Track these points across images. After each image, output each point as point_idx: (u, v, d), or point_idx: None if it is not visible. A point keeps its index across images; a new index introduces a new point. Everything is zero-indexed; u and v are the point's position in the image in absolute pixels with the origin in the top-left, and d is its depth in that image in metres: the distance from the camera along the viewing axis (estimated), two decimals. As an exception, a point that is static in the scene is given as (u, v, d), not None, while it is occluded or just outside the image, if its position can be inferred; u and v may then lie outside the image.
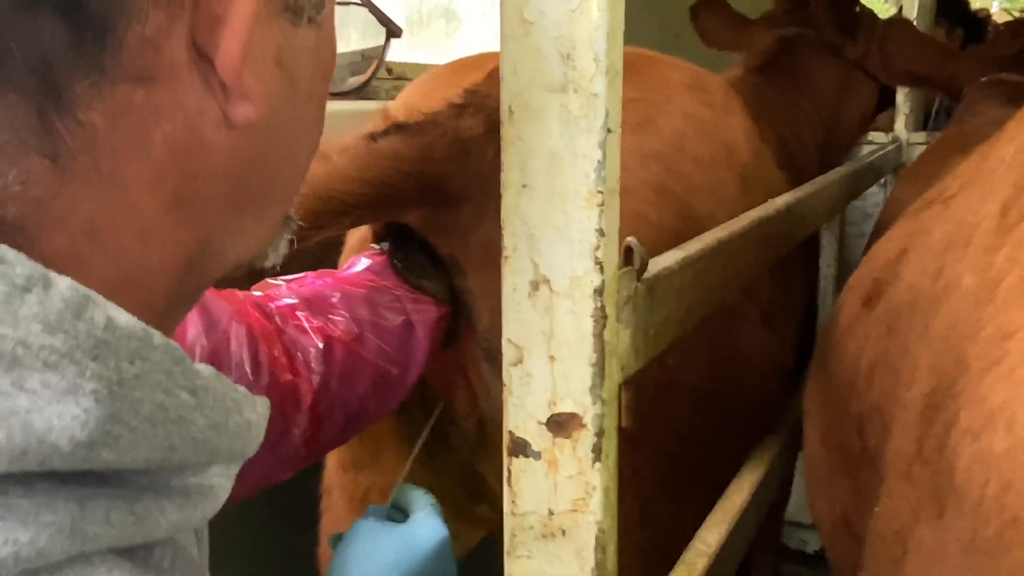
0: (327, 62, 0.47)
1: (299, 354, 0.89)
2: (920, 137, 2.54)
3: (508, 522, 0.61)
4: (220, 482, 0.40)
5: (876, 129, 2.54)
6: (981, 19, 3.62)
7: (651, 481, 1.11)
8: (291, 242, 0.52)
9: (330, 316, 0.92)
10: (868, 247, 1.68)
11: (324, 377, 0.89)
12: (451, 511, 0.96)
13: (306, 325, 0.91)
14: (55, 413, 0.32)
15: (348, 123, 0.92)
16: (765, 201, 1.23)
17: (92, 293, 0.34)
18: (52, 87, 0.34)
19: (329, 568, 0.83)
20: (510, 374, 0.59)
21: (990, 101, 1.80)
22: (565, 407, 0.57)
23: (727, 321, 1.18)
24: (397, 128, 0.94)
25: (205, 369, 0.38)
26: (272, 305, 0.91)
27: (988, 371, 0.60)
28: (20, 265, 0.32)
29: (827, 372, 0.95)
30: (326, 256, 1.14)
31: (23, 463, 0.32)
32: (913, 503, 0.65)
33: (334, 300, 0.94)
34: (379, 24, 0.63)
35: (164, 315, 0.42)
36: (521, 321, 0.58)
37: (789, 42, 1.94)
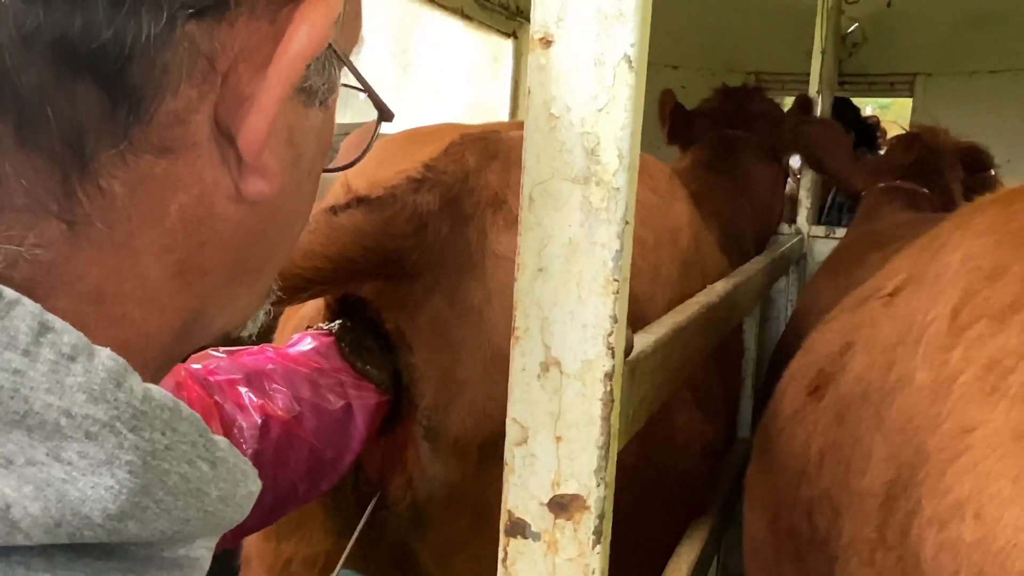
0: (327, 141, 0.48)
1: (235, 430, 0.86)
2: (820, 230, 2.72)
3: (502, 604, 0.60)
4: (204, 554, 0.39)
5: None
6: (871, 125, 3.93)
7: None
8: (269, 311, 0.52)
9: (270, 393, 0.90)
10: (788, 334, 1.77)
11: (257, 454, 0.87)
12: (380, 586, 0.95)
13: (246, 401, 0.88)
14: (89, 484, 0.31)
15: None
16: (702, 285, 1.29)
17: (128, 363, 0.34)
18: (79, 154, 0.34)
19: None
20: (513, 453, 0.59)
21: (893, 204, 1.96)
22: (569, 488, 0.58)
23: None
24: (359, 202, 0.94)
25: (221, 441, 0.38)
26: (212, 379, 0.88)
27: (951, 463, 0.65)
28: (67, 334, 0.32)
29: (774, 457, 0.99)
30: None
31: (55, 535, 0.31)
32: (878, 588, 0.68)
33: (276, 377, 0.92)
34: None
35: (150, 382, 0.41)
36: (528, 401, 0.58)
37: (731, 143, 2.12)
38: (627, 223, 0.56)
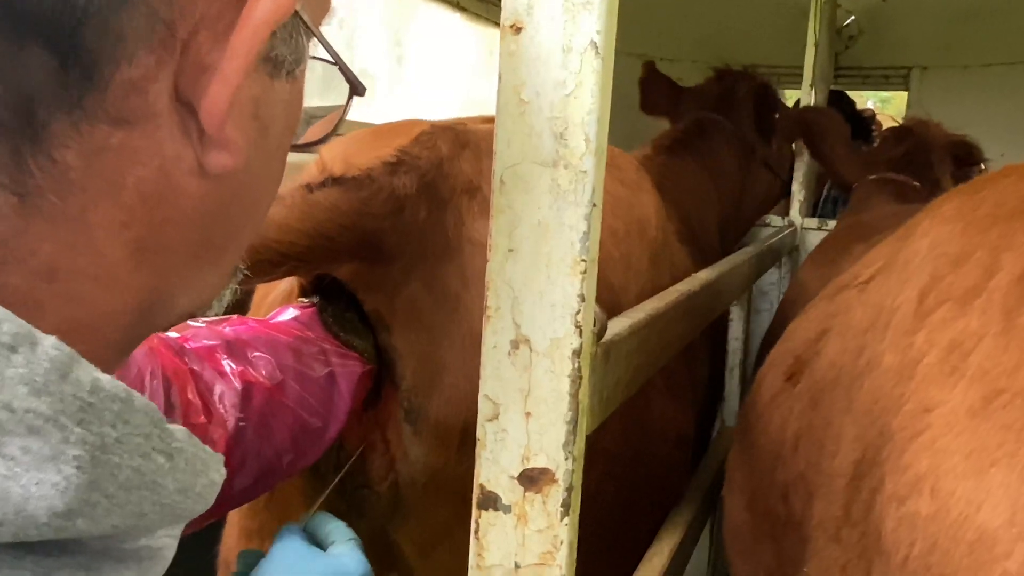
0: (296, 115, 0.47)
1: (215, 397, 0.85)
2: (812, 223, 2.73)
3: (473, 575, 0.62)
4: (167, 543, 0.38)
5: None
6: (866, 118, 3.94)
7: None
8: (235, 291, 0.52)
9: (252, 360, 0.89)
10: (775, 323, 1.79)
11: (240, 422, 0.85)
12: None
13: (226, 368, 0.87)
14: (33, 480, 0.30)
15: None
16: (670, 275, 1.31)
17: (75, 352, 0.32)
18: (30, 123, 0.32)
19: None
20: (485, 429, 0.61)
21: (881, 196, 1.98)
22: (538, 462, 0.60)
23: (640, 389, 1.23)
24: (335, 181, 0.94)
25: (179, 430, 0.36)
26: (188, 346, 0.86)
27: (911, 442, 0.67)
28: (7, 322, 0.30)
29: (753, 442, 1.01)
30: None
31: None
32: (842, 563, 0.70)
33: (257, 344, 0.90)
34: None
35: (107, 365, 0.39)
36: (499, 378, 0.60)
37: (704, 126, 2.10)
38: (594, 205, 0.58)
